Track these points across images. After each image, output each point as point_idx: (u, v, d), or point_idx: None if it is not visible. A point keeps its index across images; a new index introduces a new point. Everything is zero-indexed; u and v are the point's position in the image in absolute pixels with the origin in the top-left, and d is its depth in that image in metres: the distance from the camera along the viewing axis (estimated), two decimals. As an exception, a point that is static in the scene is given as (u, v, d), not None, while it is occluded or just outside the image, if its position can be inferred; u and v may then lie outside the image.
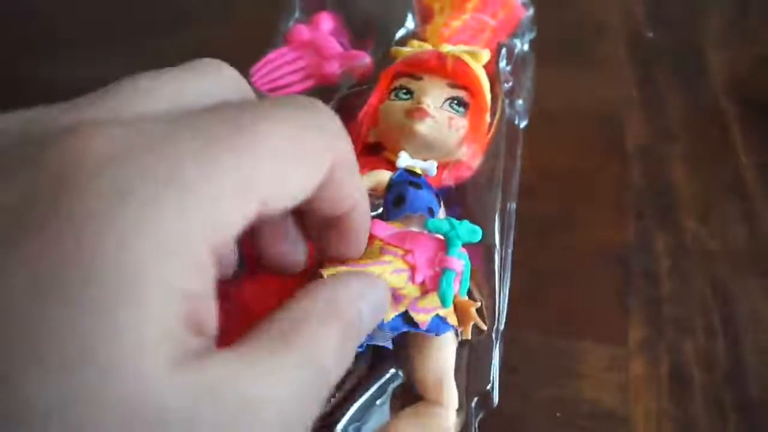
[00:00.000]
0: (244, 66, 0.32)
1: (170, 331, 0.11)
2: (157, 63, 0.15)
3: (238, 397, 0.12)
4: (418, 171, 0.24)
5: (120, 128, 0.12)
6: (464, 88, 0.25)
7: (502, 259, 0.24)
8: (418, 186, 0.23)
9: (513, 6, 0.34)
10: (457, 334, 0.22)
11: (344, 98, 0.31)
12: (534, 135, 0.31)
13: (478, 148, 0.26)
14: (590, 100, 0.37)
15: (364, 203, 0.17)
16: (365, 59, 0.33)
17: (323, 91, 0.33)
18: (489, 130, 0.27)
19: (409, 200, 0.23)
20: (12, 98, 0.14)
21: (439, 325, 0.21)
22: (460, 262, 0.21)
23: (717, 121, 0.35)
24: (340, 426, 0.21)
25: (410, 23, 0.34)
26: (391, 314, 0.20)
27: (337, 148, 0.15)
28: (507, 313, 0.24)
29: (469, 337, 0.22)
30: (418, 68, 0.26)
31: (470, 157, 0.25)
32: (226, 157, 0.12)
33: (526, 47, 0.35)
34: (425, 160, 0.24)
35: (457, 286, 0.21)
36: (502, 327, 0.23)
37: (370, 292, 0.16)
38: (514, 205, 0.27)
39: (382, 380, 0.22)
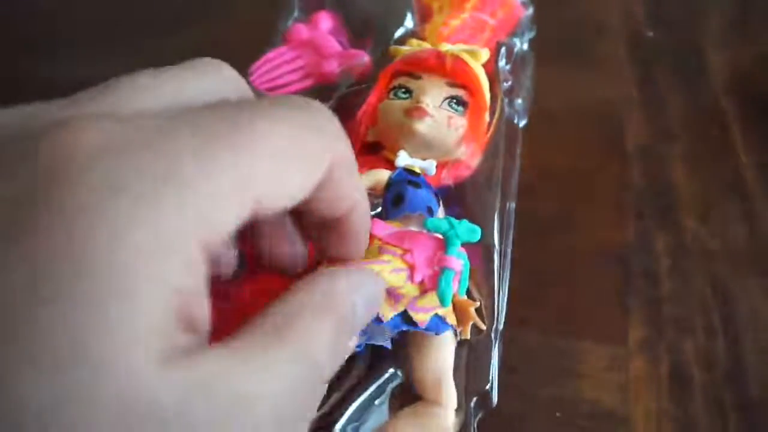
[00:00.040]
0: (243, 65, 0.32)
1: (161, 326, 0.11)
2: (157, 63, 0.15)
3: (231, 393, 0.12)
4: (417, 170, 0.24)
5: (116, 123, 0.12)
6: (463, 87, 0.25)
7: (502, 259, 0.24)
8: (417, 185, 0.23)
9: (512, 5, 0.34)
10: (456, 334, 0.22)
11: (343, 97, 0.31)
12: (533, 134, 0.31)
13: (477, 147, 0.26)
14: (590, 99, 0.37)
15: (364, 204, 0.17)
16: (364, 58, 0.33)
17: (322, 90, 0.33)
18: (488, 130, 0.27)
19: (408, 199, 0.23)
20: (12, 97, 0.14)
21: (438, 324, 0.21)
22: (459, 261, 0.21)
23: (717, 121, 0.35)
24: (338, 426, 0.21)
25: (409, 22, 0.34)
26: (390, 314, 0.20)
27: (336, 149, 0.15)
28: (506, 313, 0.24)
29: (468, 337, 0.22)
30: (417, 67, 0.26)
31: (469, 157, 0.25)
32: (224, 155, 0.12)
33: (525, 46, 0.35)
34: (424, 159, 0.24)
35: (456, 285, 0.21)
36: (501, 326, 0.23)
37: (364, 285, 0.16)
38: (513, 205, 0.27)
39: (381, 380, 0.22)
